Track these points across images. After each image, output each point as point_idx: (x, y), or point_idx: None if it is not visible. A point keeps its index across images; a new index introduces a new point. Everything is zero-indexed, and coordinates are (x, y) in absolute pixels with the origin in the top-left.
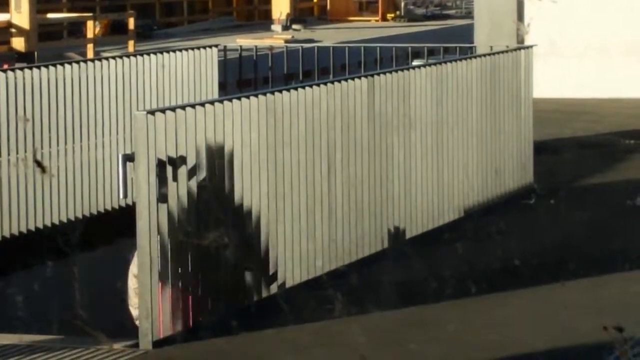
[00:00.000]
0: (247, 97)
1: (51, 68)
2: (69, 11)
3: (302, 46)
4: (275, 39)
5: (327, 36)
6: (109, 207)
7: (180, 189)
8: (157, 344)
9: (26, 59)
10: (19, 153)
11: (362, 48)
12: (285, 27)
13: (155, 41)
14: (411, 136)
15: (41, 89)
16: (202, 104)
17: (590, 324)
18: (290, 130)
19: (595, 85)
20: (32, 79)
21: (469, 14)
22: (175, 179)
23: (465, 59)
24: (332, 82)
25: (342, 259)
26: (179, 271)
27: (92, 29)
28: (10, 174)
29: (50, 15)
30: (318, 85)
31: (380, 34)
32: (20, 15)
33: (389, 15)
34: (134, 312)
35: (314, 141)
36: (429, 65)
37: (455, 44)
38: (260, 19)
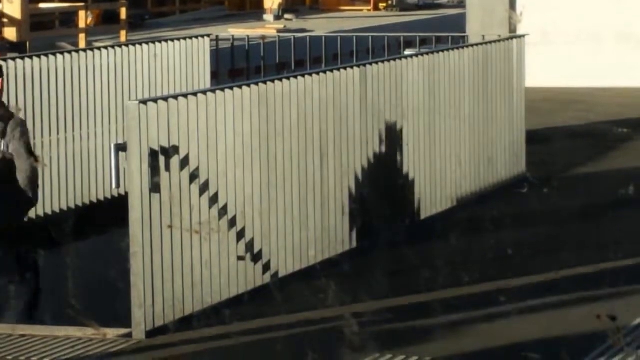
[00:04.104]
0: (240, 86)
1: (43, 58)
2: (61, 1)
3: (294, 36)
4: (267, 28)
5: (320, 26)
6: (101, 197)
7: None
8: (150, 333)
9: (18, 49)
10: None
11: (355, 38)
12: (278, 17)
13: (147, 31)
14: (403, 126)
15: (33, 79)
16: (195, 94)
17: (583, 313)
18: (282, 120)
19: (587, 74)
20: (24, 69)
21: (461, 3)
22: (167, 168)
23: (458, 48)
24: (325, 72)
25: (334, 248)
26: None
27: (84, 18)
28: None
29: (42, 5)
30: (310, 75)
31: (372, 24)
32: (12, 5)
33: (381, 5)
34: None
35: (307, 131)
36: (421, 54)
37: (448, 34)
38: (253, 9)
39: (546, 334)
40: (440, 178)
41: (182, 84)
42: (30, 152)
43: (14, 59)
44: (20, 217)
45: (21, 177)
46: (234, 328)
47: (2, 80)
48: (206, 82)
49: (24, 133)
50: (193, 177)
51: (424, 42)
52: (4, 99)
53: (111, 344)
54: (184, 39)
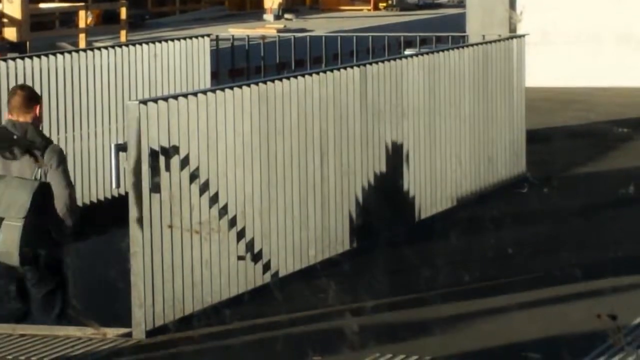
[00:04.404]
0: (240, 86)
1: (43, 58)
2: (61, 1)
3: (294, 35)
4: (267, 28)
5: (319, 25)
6: (101, 197)
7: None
8: (151, 333)
9: (18, 49)
10: None
11: (354, 37)
12: (278, 17)
13: (147, 31)
14: (403, 125)
15: (33, 79)
16: (195, 94)
17: (584, 312)
18: (282, 119)
19: (586, 74)
20: (24, 69)
21: (461, 3)
22: (167, 168)
23: (458, 48)
24: (325, 72)
25: (334, 248)
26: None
27: (84, 18)
28: None
29: (42, 5)
30: (310, 74)
31: (372, 23)
32: (12, 5)
33: (381, 5)
34: None
35: (307, 130)
36: (421, 54)
37: (448, 33)
38: (252, 9)
39: (546, 333)
40: (440, 178)
41: (182, 84)
42: (68, 181)
43: (14, 59)
44: (57, 246)
45: (59, 205)
46: (234, 327)
47: (41, 107)
48: (206, 82)
49: (62, 161)
50: (193, 177)
51: (423, 41)
52: (3, 101)
53: (111, 343)
54: (184, 38)
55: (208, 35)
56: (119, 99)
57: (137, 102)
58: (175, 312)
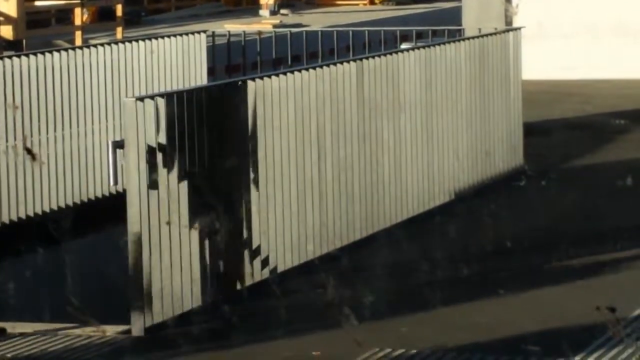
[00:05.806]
0: (237, 82)
1: (39, 56)
2: None
3: (290, 31)
4: (263, 24)
5: (315, 20)
6: (99, 195)
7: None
8: (150, 330)
9: (14, 47)
10: (9, 141)
11: (351, 32)
12: (273, 12)
13: (143, 27)
14: (401, 120)
15: (30, 77)
16: (192, 90)
17: (583, 304)
18: (279, 115)
19: (583, 66)
20: (20, 66)
21: None
22: (165, 165)
23: (454, 41)
24: (321, 67)
25: (333, 243)
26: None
27: (80, 16)
28: (0, 161)
29: (38, 3)
30: (307, 69)
31: (368, 18)
32: (7, 3)
33: None
34: None
35: (304, 126)
36: (418, 48)
37: (444, 27)
38: (248, 4)
39: (546, 325)
40: (437, 172)
41: (178, 80)
42: None
43: (10, 57)
44: None
45: None
46: (233, 324)
47: None
48: (203, 78)
49: None
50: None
51: (420, 35)
52: (1, 98)
53: (111, 340)
54: (180, 35)
55: (204, 32)
56: (115, 96)
57: (134, 98)
58: (174, 309)
